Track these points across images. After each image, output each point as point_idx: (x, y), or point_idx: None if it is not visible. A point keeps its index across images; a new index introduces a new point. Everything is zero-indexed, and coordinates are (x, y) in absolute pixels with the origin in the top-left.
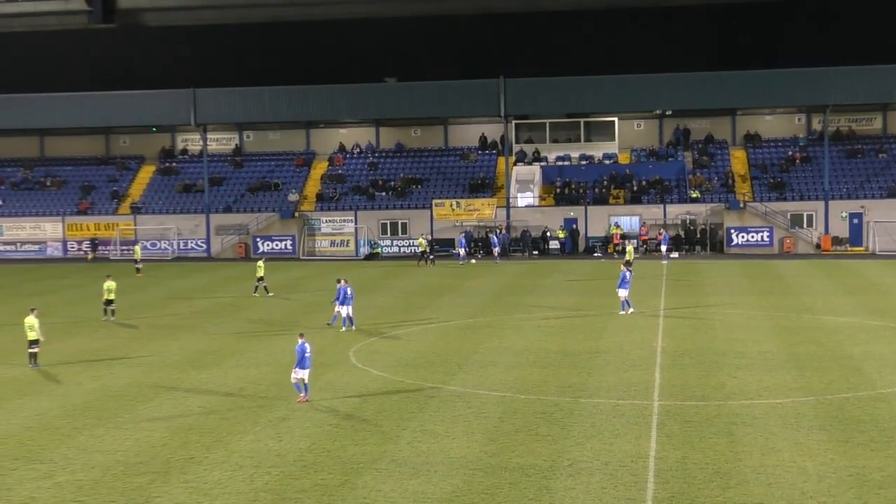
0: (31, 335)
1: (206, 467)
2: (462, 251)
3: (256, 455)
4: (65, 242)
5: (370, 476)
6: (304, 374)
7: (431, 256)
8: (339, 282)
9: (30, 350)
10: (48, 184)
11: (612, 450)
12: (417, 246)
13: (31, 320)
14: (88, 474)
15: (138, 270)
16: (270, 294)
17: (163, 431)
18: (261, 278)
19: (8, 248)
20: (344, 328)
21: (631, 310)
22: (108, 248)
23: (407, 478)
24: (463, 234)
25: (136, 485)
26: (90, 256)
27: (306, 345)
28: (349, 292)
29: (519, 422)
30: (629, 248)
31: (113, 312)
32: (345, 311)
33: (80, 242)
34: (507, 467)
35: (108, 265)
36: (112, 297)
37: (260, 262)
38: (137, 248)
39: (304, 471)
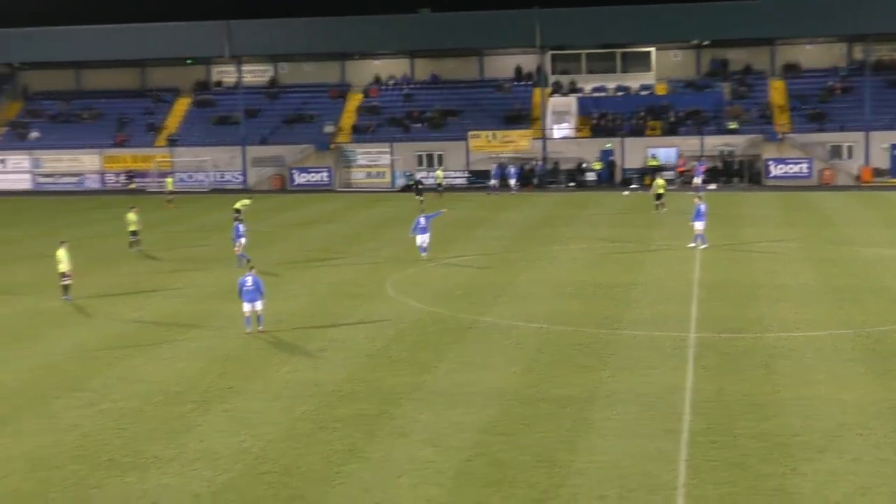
0: (62, 267)
1: (245, 397)
2: (495, 181)
3: (294, 385)
4: (102, 175)
5: (408, 406)
6: (249, 307)
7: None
8: (421, 211)
9: (61, 282)
10: (85, 116)
11: (648, 381)
12: (435, 178)
13: (61, 253)
14: (130, 403)
15: (170, 202)
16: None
17: (201, 362)
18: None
19: (47, 180)
20: (423, 255)
21: (704, 245)
22: (145, 180)
23: (444, 408)
24: (497, 166)
25: (176, 413)
26: (132, 186)
27: (247, 279)
28: (423, 222)
29: (556, 353)
30: (658, 181)
31: (138, 244)
32: (421, 239)
33: (117, 175)
34: (544, 398)
35: (146, 198)
36: (135, 228)
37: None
38: (169, 180)
39: (342, 401)
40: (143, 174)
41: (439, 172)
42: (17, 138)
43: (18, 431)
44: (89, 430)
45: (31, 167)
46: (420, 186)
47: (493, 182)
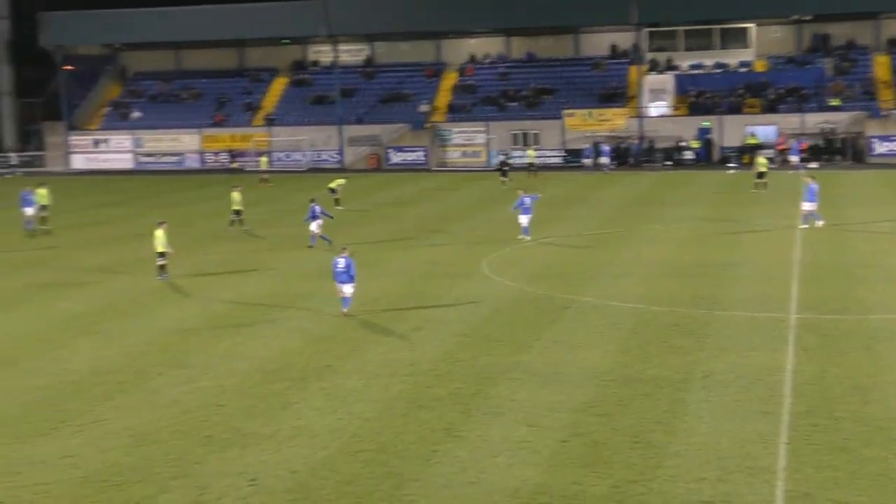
0: (159, 247)
1: (342, 375)
2: (589, 160)
3: (391, 364)
4: (202, 154)
5: (504, 385)
6: (340, 287)
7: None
8: (522, 192)
9: (158, 262)
10: (184, 96)
11: (747, 363)
12: (526, 157)
13: (159, 233)
14: (229, 380)
15: (264, 181)
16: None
17: (299, 340)
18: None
19: (147, 159)
20: (525, 236)
21: (820, 222)
22: (244, 159)
23: (540, 387)
24: (590, 145)
25: (274, 391)
26: (235, 165)
27: (340, 260)
28: (528, 201)
29: (652, 333)
30: (759, 159)
31: (241, 223)
32: (525, 219)
33: (216, 154)
34: (640, 378)
35: (245, 177)
36: (238, 207)
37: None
38: (264, 159)
39: (438, 380)
40: (241, 153)
41: (531, 152)
42: (119, 118)
43: (121, 406)
44: (189, 407)
45: (133, 146)
46: (506, 168)
47: (586, 161)
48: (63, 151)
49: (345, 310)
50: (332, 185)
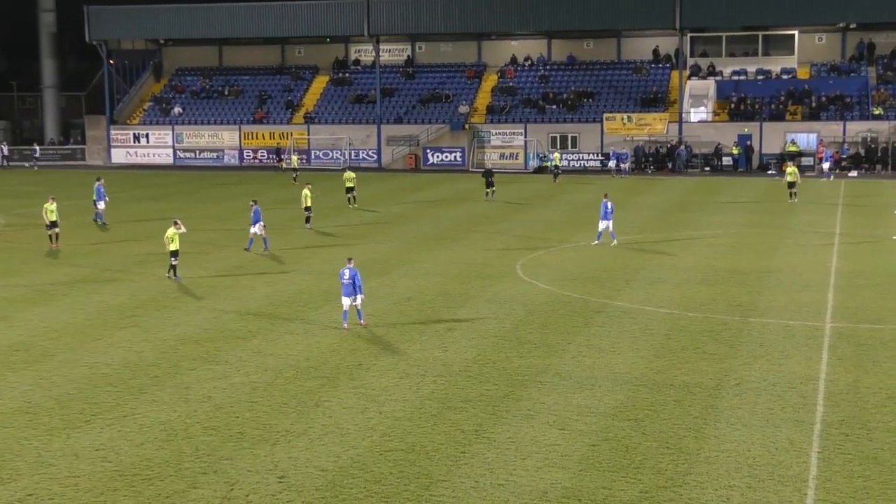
0: (172, 246)
1: (374, 374)
2: (613, 164)
3: (423, 364)
4: (241, 151)
5: (534, 388)
6: (348, 301)
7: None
8: (604, 196)
9: (171, 262)
10: (226, 93)
11: (780, 370)
12: (552, 160)
13: (171, 232)
14: (261, 376)
15: (295, 180)
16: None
17: (332, 338)
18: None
19: (188, 154)
20: (596, 241)
21: None
22: (283, 156)
23: (571, 391)
24: (612, 151)
25: (306, 388)
26: (283, 165)
27: (345, 271)
28: (610, 207)
29: (685, 339)
30: (790, 169)
31: (308, 220)
32: (603, 224)
33: (255, 151)
34: (672, 384)
35: (284, 175)
36: (309, 204)
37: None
38: (294, 157)
39: (469, 381)
40: (287, 151)
41: (556, 156)
42: (160, 113)
43: (155, 401)
44: (221, 403)
45: (173, 142)
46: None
47: (611, 164)
48: (104, 145)
49: (361, 321)
50: (348, 183)
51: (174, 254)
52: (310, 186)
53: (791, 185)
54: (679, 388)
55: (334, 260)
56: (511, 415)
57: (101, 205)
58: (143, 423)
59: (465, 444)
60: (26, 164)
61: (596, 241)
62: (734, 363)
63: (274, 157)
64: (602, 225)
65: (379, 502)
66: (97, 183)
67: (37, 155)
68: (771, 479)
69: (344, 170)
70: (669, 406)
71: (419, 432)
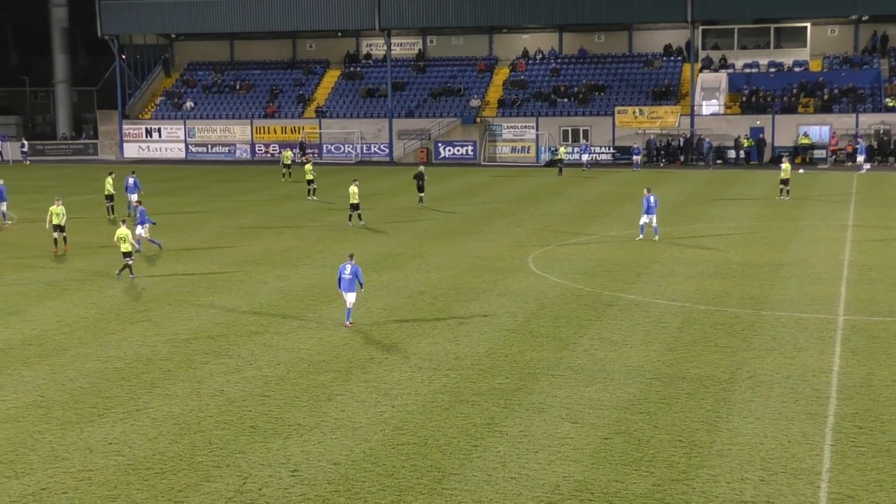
0: (124, 247)
1: (386, 368)
2: (637, 158)
3: (435, 357)
4: (252, 145)
5: (546, 382)
6: (352, 296)
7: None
8: (647, 191)
9: (125, 261)
10: (237, 87)
11: (793, 363)
12: (556, 153)
13: (122, 231)
14: (274, 370)
15: (289, 175)
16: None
17: (344, 332)
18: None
19: (199, 149)
20: (644, 236)
21: None
22: (294, 150)
23: (583, 385)
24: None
25: (318, 382)
26: (306, 158)
27: (346, 267)
28: (653, 200)
29: (698, 332)
30: (784, 165)
31: (360, 217)
32: (646, 218)
33: (266, 145)
34: (685, 377)
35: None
36: (356, 200)
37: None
38: (288, 152)
39: (481, 374)
40: (292, 144)
41: (562, 149)
42: (171, 108)
43: (167, 395)
44: (234, 396)
45: (185, 136)
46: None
47: (635, 158)
48: (116, 140)
49: (348, 322)
50: (309, 175)
51: (126, 254)
52: (356, 182)
53: (784, 181)
54: (692, 382)
55: (345, 254)
56: (523, 408)
57: (133, 197)
58: (155, 417)
59: (478, 437)
60: (26, 162)
61: (640, 237)
62: (747, 356)
63: (297, 151)
64: (644, 219)
65: (391, 496)
66: (132, 177)
67: (24, 149)
68: (784, 472)
69: (303, 163)
70: (682, 399)
71: (431, 426)
